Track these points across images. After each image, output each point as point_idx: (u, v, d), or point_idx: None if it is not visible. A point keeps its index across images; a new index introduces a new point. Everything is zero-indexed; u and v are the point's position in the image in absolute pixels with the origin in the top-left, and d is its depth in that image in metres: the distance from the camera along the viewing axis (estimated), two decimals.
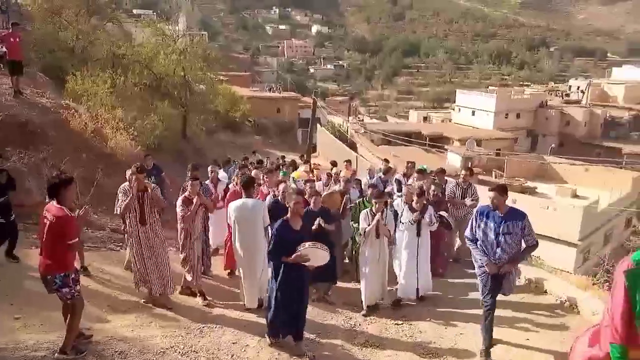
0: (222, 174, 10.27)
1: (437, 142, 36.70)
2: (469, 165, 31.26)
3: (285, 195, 7.18)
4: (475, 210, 5.65)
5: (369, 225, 6.59)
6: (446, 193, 9.00)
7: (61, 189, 4.60)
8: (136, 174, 6.17)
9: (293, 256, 5.10)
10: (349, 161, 11.78)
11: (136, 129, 15.91)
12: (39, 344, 4.99)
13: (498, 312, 5.56)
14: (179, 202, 6.54)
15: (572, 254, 20.79)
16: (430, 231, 7.20)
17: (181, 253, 6.67)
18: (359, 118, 50.08)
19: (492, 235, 5.25)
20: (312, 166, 18.11)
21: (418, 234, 7.02)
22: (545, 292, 7.51)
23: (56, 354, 4.74)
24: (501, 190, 5.34)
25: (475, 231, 5.39)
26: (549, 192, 27.17)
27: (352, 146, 30.89)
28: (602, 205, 23.15)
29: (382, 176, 10.20)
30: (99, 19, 24.49)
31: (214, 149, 25.81)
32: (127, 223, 6.35)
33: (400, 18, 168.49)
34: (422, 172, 9.31)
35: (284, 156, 22.71)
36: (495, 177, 29.39)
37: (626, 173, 29.71)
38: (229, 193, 8.02)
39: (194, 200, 6.48)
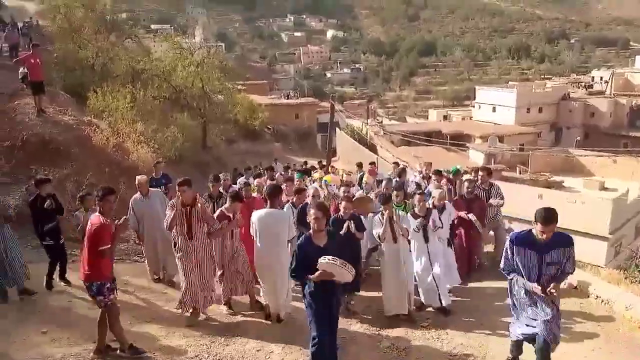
0: (242, 180, 10.51)
1: (458, 141, 36.25)
2: (491, 163, 30.87)
3: (315, 201, 6.80)
4: (509, 238, 4.60)
5: (384, 230, 6.28)
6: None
7: (102, 199, 4.96)
8: (182, 188, 5.97)
9: (316, 274, 4.52)
10: (373, 163, 11.29)
11: (157, 141, 16.16)
12: (66, 358, 5.07)
13: None
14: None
15: (603, 247, 20.26)
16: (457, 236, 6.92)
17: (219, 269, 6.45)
18: (377, 120, 49.89)
19: (533, 267, 4.42)
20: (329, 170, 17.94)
21: (426, 240, 6.73)
22: (589, 296, 6.88)
23: (117, 351, 5.12)
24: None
25: (513, 263, 4.55)
26: (576, 185, 26.58)
27: (372, 148, 30.75)
28: (632, 196, 22.55)
29: (397, 179, 9.88)
30: (117, 36, 25.00)
31: (234, 158, 25.99)
32: (176, 237, 6.11)
33: (415, 18, 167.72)
34: (439, 173, 9.11)
35: (306, 162, 22.76)
36: (520, 173, 28.90)
37: None
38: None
39: (234, 217, 6.20)
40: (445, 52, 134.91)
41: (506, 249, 4.59)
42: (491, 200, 8.37)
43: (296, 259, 4.70)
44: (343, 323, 6.15)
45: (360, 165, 12.87)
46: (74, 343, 5.39)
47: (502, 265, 4.70)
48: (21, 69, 13.98)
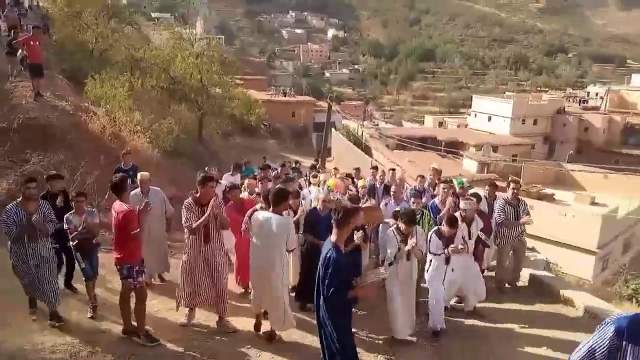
0: (228, 178, 9.93)
1: (453, 148, 36.41)
2: (484, 172, 31.03)
3: (325, 205, 6.41)
4: (608, 332, 2.32)
5: (399, 249, 5.66)
6: (495, 212, 7.85)
7: (120, 187, 5.15)
8: (209, 184, 5.64)
9: (362, 286, 4.16)
10: (376, 168, 10.24)
11: (153, 132, 16.05)
12: (56, 347, 5.04)
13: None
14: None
15: (591, 261, 20.48)
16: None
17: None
18: (374, 122, 50.01)
19: None
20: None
21: (447, 262, 6.24)
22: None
23: (134, 338, 5.26)
24: None
25: None
26: (567, 199, 26.79)
27: (367, 151, 30.78)
28: (622, 212, 22.77)
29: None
30: (117, 22, 24.81)
31: (229, 152, 25.92)
32: (188, 238, 5.73)
33: (416, 22, 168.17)
34: (449, 183, 8.36)
35: (297, 162, 22.62)
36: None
37: None
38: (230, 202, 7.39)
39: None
40: (444, 58, 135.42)
41: (592, 348, 2.41)
42: (522, 220, 7.65)
43: (338, 278, 4.10)
44: None
45: (355, 169, 11.91)
46: (65, 332, 5.38)
47: None
48: (20, 51, 13.83)
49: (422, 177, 9.35)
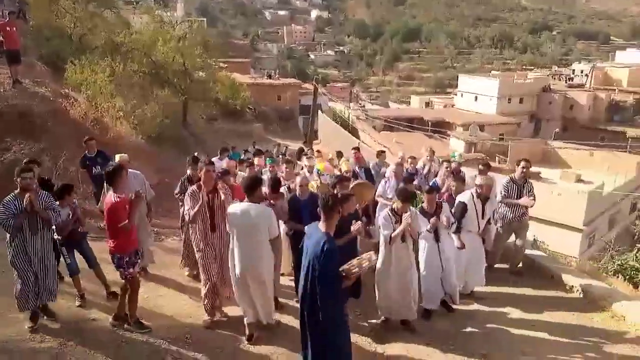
0: (217, 162, 9.37)
1: (440, 128, 36.51)
2: (471, 152, 31.14)
3: (303, 189, 6.12)
4: None
5: (394, 229, 5.46)
6: (498, 193, 7.50)
7: (112, 177, 5.06)
8: (206, 168, 5.45)
9: (351, 276, 4.02)
10: (357, 148, 9.97)
11: (136, 117, 15.79)
12: (45, 335, 5.01)
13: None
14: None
15: (577, 238, 20.75)
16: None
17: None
18: (360, 104, 49.83)
19: None
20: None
21: (437, 239, 6.02)
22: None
23: (125, 324, 5.26)
24: None
25: None
26: (553, 177, 27.04)
27: (354, 132, 30.71)
28: (607, 189, 23.05)
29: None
30: (96, 6, 24.17)
31: (214, 137, 25.65)
32: (194, 229, 5.54)
33: (401, 2, 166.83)
34: (450, 162, 8.26)
35: (279, 144, 22.20)
36: (499, 163, 29.24)
37: (631, 157, 29.56)
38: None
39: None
40: (429, 38, 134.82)
41: None
42: (522, 200, 7.30)
43: (336, 268, 3.95)
44: None
45: (340, 154, 11.41)
46: (53, 321, 5.35)
47: None
48: None
49: (414, 158, 9.19)
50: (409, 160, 9.07)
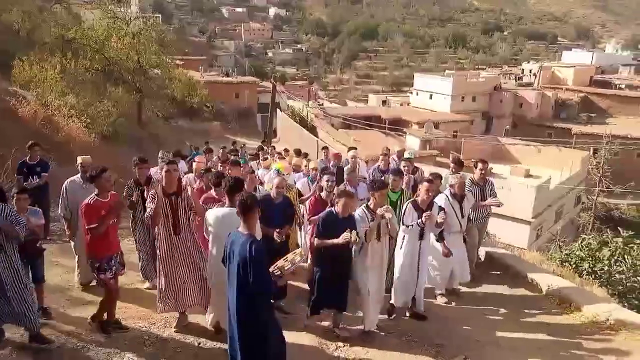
0: (181, 164, 8.76)
1: (396, 126, 37.18)
2: (426, 148, 31.88)
3: (278, 191, 5.81)
4: None
5: (369, 227, 5.22)
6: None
7: (95, 179, 4.99)
8: (166, 168, 5.20)
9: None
10: (326, 148, 9.58)
11: (89, 115, 15.41)
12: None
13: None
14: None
15: (526, 230, 21.65)
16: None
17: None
18: (318, 102, 50.04)
19: None
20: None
21: (421, 237, 5.77)
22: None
23: (88, 320, 5.19)
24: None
25: None
26: (503, 172, 28.06)
27: (313, 131, 30.88)
28: (554, 183, 24.11)
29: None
30: (45, 0, 23.39)
31: (171, 136, 25.28)
32: (157, 231, 5.27)
33: (359, 1, 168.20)
34: (409, 160, 7.96)
35: (234, 142, 21.74)
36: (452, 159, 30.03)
37: (575, 152, 31.06)
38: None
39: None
40: (386, 37, 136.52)
41: None
42: (488, 200, 7.28)
43: (264, 267, 3.83)
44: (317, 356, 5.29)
45: (298, 152, 10.80)
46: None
47: None
48: None
49: (386, 155, 8.80)
50: (381, 157, 8.59)
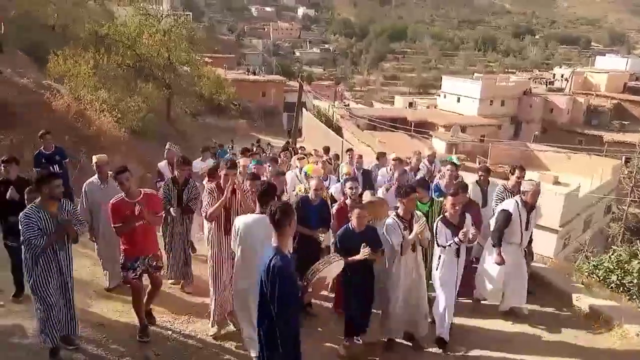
0: (199, 164, 8.44)
1: (422, 128, 36.86)
2: (452, 152, 31.50)
3: (317, 194, 5.70)
4: None
5: (403, 237, 4.93)
6: (492, 200, 6.90)
7: (115, 180, 4.89)
8: (227, 171, 5.12)
9: (312, 286, 3.66)
10: (351, 150, 9.19)
11: (120, 110, 15.69)
12: (26, 329, 4.96)
13: None
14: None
15: (553, 239, 21.17)
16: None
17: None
18: (344, 103, 50.00)
19: None
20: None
21: (457, 254, 5.26)
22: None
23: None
24: None
25: None
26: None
27: (338, 131, 30.84)
28: (583, 191, 23.54)
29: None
30: None
31: (198, 132, 25.58)
32: (209, 231, 5.26)
33: (387, 2, 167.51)
34: (455, 165, 7.37)
35: (259, 140, 22.09)
36: (479, 164, 29.63)
37: (607, 161, 30.22)
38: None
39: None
40: (414, 39, 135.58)
41: None
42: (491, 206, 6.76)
43: (290, 286, 3.53)
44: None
45: (327, 150, 11.41)
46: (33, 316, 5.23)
47: None
48: None
49: (419, 155, 8.41)
50: (428, 152, 8.32)
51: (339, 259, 3.88)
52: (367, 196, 6.10)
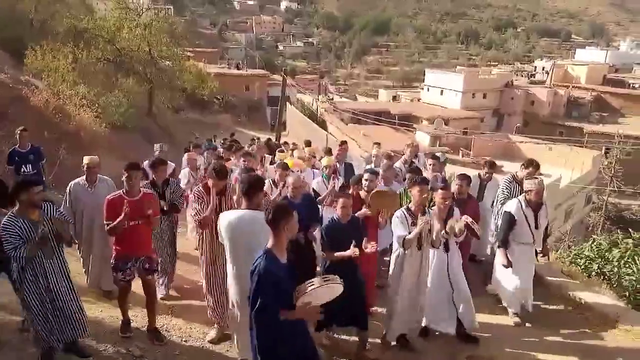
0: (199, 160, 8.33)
1: (406, 121, 37.02)
2: (436, 145, 31.74)
3: (295, 192, 5.37)
4: None
5: (409, 231, 4.69)
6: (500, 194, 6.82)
7: (129, 172, 4.72)
8: (214, 179, 4.78)
9: (297, 308, 3.24)
10: (344, 142, 8.79)
11: (100, 106, 15.49)
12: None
13: None
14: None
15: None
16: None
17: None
18: (328, 96, 49.97)
19: None
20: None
21: (446, 249, 5.10)
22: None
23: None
24: None
25: None
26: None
27: (322, 125, 30.82)
28: (564, 182, 23.90)
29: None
30: None
31: (181, 127, 25.35)
32: (200, 237, 5.03)
33: None
34: (437, 159, 7.34)
35: (233, 133, 21.82)
36: (462, 156, 29.93)
37: (587, 152, 30.73)
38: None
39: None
40: (397, 32, 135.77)
41: None
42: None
43: (266, 290, 3.21)
44: None
45: (308, 143, 11.12)
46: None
47: None
48: None
49: (414, 147, 8.34)
50: (408, 147, 8.22)
51: (338, 283, 3.37)
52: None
